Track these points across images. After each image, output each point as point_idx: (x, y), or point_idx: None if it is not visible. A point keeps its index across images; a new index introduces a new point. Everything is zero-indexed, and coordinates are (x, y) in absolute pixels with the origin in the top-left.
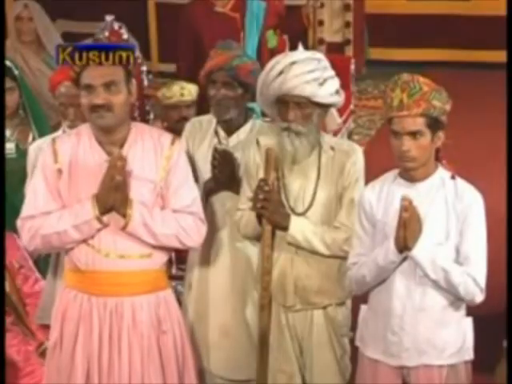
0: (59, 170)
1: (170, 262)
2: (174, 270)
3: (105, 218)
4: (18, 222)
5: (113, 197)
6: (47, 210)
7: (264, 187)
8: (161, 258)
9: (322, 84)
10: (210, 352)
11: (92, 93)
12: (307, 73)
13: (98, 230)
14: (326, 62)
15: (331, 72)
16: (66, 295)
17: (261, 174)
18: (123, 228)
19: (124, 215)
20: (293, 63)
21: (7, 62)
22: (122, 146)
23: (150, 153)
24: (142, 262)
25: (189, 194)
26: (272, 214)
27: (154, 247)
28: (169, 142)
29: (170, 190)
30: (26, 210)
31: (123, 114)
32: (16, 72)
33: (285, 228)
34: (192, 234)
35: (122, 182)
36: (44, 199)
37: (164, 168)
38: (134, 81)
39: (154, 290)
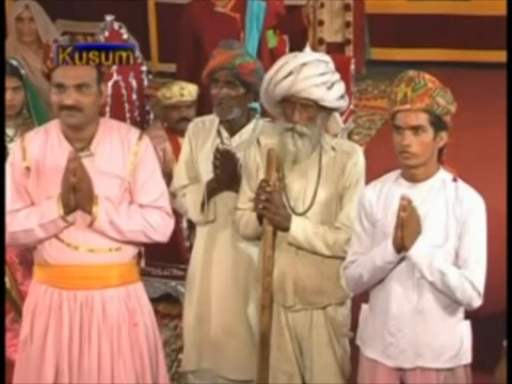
0: (27, 167)
1: (139, 256)
2: (143, 264)
3: (70, 217)
4: None
5: (73, 197)
6: (14, 208)
7: (266, 188)
8: (130, 251)
9: (329, 88)
10: (212, 352)
11: (63, 92)
12: (317, 76)
13: (63, 228)
14: (332, 65)
15: (337, 75)
16: (36, 290)
17: (261, 174)
18: (89, 225)
19: (90, 212)
20: (303, 65)
21: (13, 62)
22: (90, 142)
23: (117, 148)
24: (111, 255)
25: (156, 189)
26: (274, 214)
27: (123, 241)
28: (136, 138)
29: (137, 185)
30: None
31: (92, 114)
32: (22, 71)
33: (286, 229)
34: (159, 228)
35: (79, 183)
36: (11, 197)
37: (132, 163)
38: (130, 81)
39: (123, 283)
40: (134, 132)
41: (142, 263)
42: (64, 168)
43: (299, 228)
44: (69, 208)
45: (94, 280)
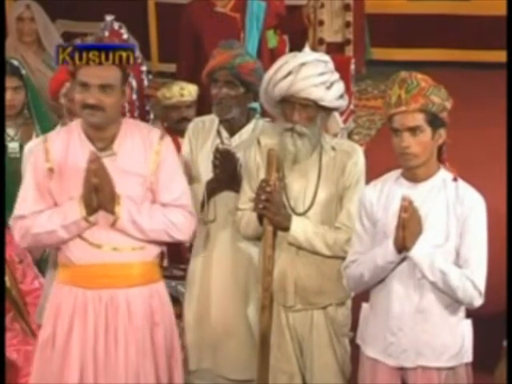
0: (50, 168)
1: (162, 255)
2: (165, 263)
3: (92, 218)
4: (11, 221)
5: (95, 198)
6: (37, 209)
7: (266, 188)
8: (153, 250)
9: (329, 88)
10: (212, 352)
11: (86, 91)
12: (316, 76)
13: (86, 228)
14: (331, 65)
15: (337, 75)
16: (59, 291)
17: (261, 174)
18: (112, 225)
19: (112, 212)
20: (302, 64)
21: (14, 62)
22: (112, 141)
23: (139, 148)
24: (134, 254)
25: (178, 188)
26: (274, 214)
27: (146, 240)
28: (158, 137)
29: (159, 183)
30: (17, 209)
31: (114, 114)
32: (23, 71)
33: (286, 228)
34: (181, 227)
35: (101, 183)
36: (34, 199)
37: (154, 162)
38: (131, 81)
39: (147, 283)
40: (156, 131)
41: (165, 263)
42: (85, 168)
43: (299, 228)
44: (91, 209)
45: (118, 278)
